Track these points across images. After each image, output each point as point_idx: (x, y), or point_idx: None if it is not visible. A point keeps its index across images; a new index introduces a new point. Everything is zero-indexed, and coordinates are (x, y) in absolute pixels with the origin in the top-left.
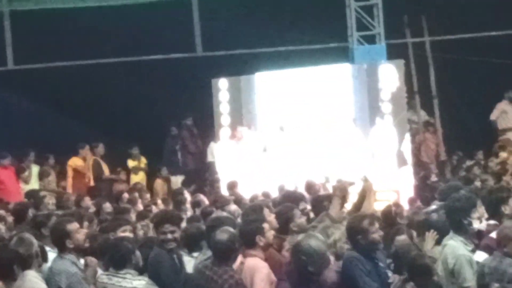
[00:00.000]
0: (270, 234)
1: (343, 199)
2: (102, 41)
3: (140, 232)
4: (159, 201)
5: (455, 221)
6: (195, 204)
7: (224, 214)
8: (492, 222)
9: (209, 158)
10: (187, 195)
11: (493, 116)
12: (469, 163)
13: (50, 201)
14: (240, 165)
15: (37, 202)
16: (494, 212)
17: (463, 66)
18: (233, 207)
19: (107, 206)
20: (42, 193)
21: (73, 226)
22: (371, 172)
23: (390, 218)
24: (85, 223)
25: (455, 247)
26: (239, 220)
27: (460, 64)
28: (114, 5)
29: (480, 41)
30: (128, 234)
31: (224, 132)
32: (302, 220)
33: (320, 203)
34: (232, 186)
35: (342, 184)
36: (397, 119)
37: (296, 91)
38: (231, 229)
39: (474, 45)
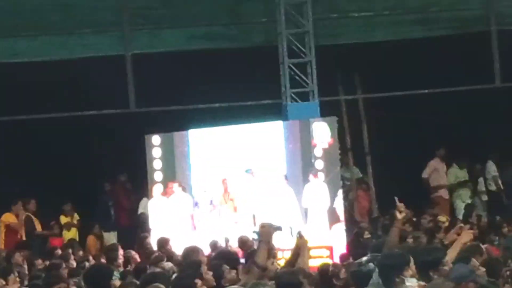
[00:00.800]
0: None
1: (268, 244)
2: (36, 96)
3: None
4: (91, 258)
5: (388, 279)
6: (127, 260)
7: (158, 270)
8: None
9: (140, 210)
10: (121, 251)
11: (425, 174)
12: None
13: None
14: (172, 221)
15: None
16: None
17: (396, 123)
18: (168, 264)
19: (39, 263)
20: None
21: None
22: (304, 229)
23: (326, 278)
24: (16, 279)
25: None
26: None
27: (393, 122)
28: (49, 60)
29: (412, 99)
30: None
31: (156, 188)
32: (232, 275)
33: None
34: (163, 243)
35: (266, 228)
36: (330, 176)
37: (229, 148)
38: (163, 287)
39: (406, 103)
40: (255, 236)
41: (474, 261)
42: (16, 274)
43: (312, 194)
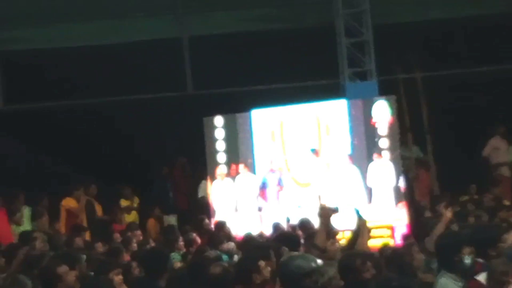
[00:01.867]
0: (267, 271)
1: (327, 226)
2: (92, 80)
3: (136, 271)
4: (151, 241)
5: (445, 258)
6: (188, 243)
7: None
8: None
9: (200, 193)
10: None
11: (485, 153)
12: (462, 198)
13: (42, 242)
14: (238, 202)
15: (29, 243)
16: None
17: (454, 101)
18: (230, 244)
19: (99, 246)
20: (35, 234)
21: (63, 269)
22: (368, 208)
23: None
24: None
25: (445, 284)
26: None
27: (452, 100)
28: (104, 44)
29: (470, 77)
30: (119, 277)
31: (221, 169)
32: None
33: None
34: (221, 227)
35: (325, 211)
36: (394, 155)
37: (291, 128)
38: (225, 264)
39: (464, 81)
40: (287, 221)
41: None
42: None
43: (376, 173)
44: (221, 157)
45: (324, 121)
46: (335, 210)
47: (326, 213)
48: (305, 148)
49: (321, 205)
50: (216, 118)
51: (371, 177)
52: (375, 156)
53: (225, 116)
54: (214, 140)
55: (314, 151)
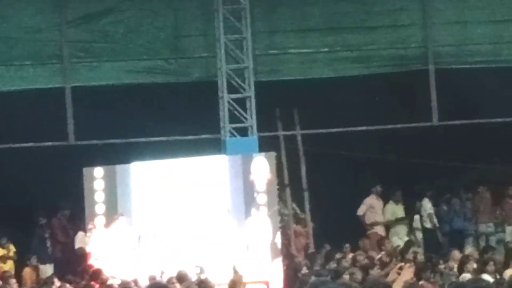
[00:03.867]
0: None
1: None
2: None
3: None
4: None
5: None
6: None
7: None
8: None
9: (77, 244)
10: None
11: (360, 211)
12: (338, 256)
13: None
14: (115, 253)
15: None
16: None
17: (333, 160)
18: None
19: None
20: None
21: None
22: (244, 263)
23: None
24: None
25: None
26: None
27: (330, 158)
28: None
29: (349, 136)
30: None
31: (99, 220)
32: None
33: None
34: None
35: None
36: (271, 210)
37: (171, 182)
38: None
39: (343, 140)
40: (198, 270)
41: None
42: None
43: (254, 229)
44: (100, 208)
45: (203, 175)
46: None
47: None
48: (184, 202)
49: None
50: (96, 169)
51: (248, 231)
52: (253, 211)
53: (105, 168)
54: (93, 190)
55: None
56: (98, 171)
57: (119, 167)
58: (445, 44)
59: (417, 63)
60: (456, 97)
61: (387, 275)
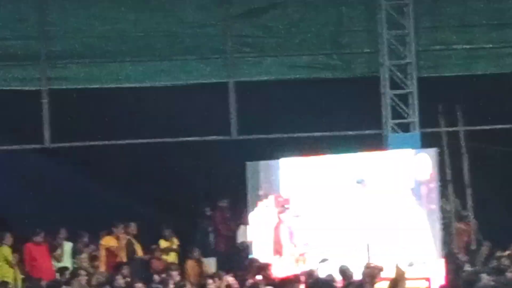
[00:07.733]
0: None
1: (372, 285)
2: (139, 121)
3: None
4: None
5: None
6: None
7: None
8: None
9: (239, 238)
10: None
11: None
12: (499, 253)
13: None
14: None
15: (69, 279)
16: None
17: (497, 156)
18: None
19: (139, 286)
20: (79, 271)
21: None
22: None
23: None
24: None
25: None
26: None
27: (494, 155)
28: (152, 86)
29: None
30: None
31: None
32: None
33: None
34: (264, 268)
35: (371, 270)
36: (429, 206)
37: (331, 177)
38: None
39: (507, 136)
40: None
41: None
42: None
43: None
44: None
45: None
46: (381, 269)
47: (372, 272)
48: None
49: (367, 263)
50: (256, 164)
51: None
52: (417, 208)
53: (265, 163)
54: (257, 184)
55: (362, 182)
56: (259, 166)
57: (276, 162)
58: None
59: None
60: None
61: None
